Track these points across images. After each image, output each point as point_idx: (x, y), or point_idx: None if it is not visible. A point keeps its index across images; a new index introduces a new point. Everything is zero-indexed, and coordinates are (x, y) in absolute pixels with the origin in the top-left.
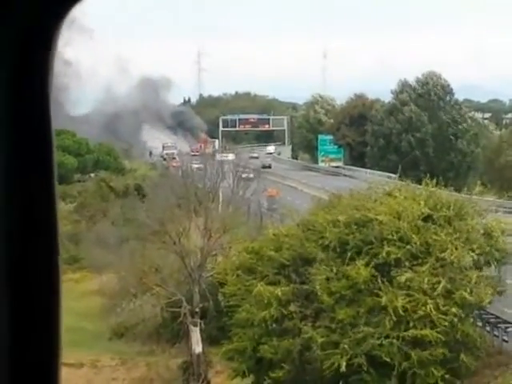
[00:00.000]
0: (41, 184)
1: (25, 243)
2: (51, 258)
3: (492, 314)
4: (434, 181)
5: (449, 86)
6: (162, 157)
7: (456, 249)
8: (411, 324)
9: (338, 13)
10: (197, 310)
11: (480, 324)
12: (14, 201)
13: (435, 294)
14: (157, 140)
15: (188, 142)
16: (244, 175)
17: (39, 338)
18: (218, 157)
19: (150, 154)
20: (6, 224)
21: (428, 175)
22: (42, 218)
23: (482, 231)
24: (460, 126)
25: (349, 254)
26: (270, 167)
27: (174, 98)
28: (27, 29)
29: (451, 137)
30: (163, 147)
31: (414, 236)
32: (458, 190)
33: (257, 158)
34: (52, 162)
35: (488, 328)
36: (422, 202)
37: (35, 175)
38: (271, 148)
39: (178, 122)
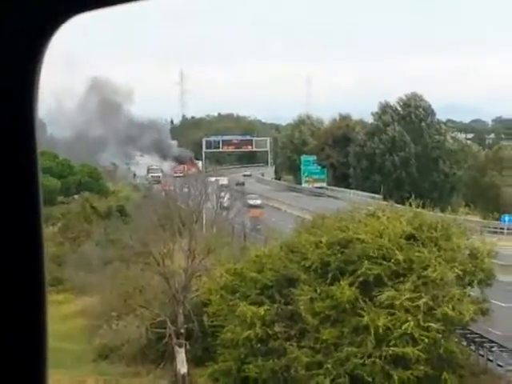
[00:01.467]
0: (26, 203)
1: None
2: (37, 268)
3: (477, 334)
4: (419, 201)
5: (430, 107)
6: (146, 180)
7: (439, 266)
8: (393, 342)
9: (321, 32)
10: (182, 330)
11: (465, 343)
12: None
13: (417, 310)
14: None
15: (158, 161)
16: (251, 202)
17: (25, 345)
18: (211, 180)
19: (134, 175)
20: None
21: (412, 195)
22: (26, 231)
23: (467, 252)
24: (443, 147)
25: (330, 274)
26: (243, 184)
27: (139, 111)
28: (14, 42)
29: (434, 157)
30: (148, 170)
31: (396, 253)
32: (442, 210)
33: (250, 175)
34: (37, 180)
35: (473, 347)
36: (405, 222)
37: (20, 192)
38: (265, 169)
39: (141, 137)
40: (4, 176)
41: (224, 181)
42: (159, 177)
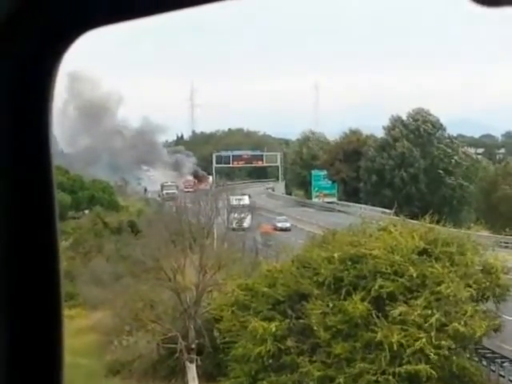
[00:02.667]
0: (42, 218)
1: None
2: (52, 281)
3: (488, 349)
4: (431, 217)
5: (438, 121)
6: (159, 196)
7: (452, 282)
8: (406, 359)
9: (330, 46)
10: (193, 346)
11: (476, 359)
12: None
13: (429, 327)
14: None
15: (167, 174)
16: (279, 224)
17: (40, 360)
18: (232, 201)
19: (145, 190)
20: (6, 258)
21: (422, 210)
22: (42, 244)
23: (480, 267)
24: (452, 162)
25: (344, 290)
26: (249, 196)
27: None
28: (28, 56)
29: (444, 172)
30: (162, 186)
31: (409, 269)
32: (454, 225)
33: (272, 188)
34: (53, 196)
35: (485, 363)
36: (417, 237)
37: (36, 212)
38: (276, 184)
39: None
40: (20, 192)
41: (245, 200)
42: (174, 193)
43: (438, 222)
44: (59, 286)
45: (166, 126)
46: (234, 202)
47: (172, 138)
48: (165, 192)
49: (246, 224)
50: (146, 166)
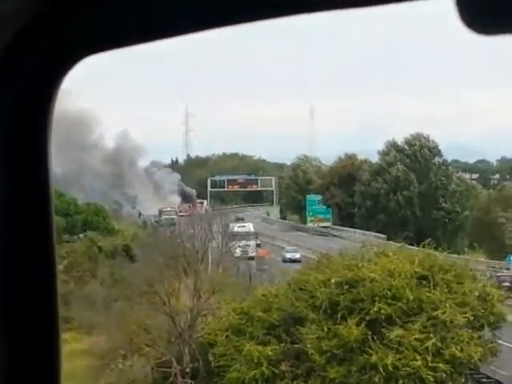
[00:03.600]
0: (39, 240)
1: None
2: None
3: (483, 374)
4: (430, 243)
5: (437, 147)
6: (156, 222)
7: (450, 308)
8: (401, 382)
9: (326, 71)
10: (187, 370)
11: None
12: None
13: (425, 351)
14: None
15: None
16: (288, 255)
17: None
18: (234, 228)
19: (140, 214)
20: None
21: (416, 235)
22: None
23: (477, 294)
24: (448, 187)
25: (340, 314)
26: (243, 219)
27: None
28: (30, 76)
29: (439, 197)
30: (160, 212)
31: (407, 293)
32: (448, 249)
33: (267, 212)
34: (51, 218)
35: None
36: (416, 262)
37: (33, 236)
38: (271, 208)
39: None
40: (18, 212)
41: (249, 227)
42: (173, 219)
43: (436, 248)
44: (56, 309)
45: (146, 144)
46: (237, 230)
47: (167, 161)
48: (163, 218)
49: (251, 252)
50: (127, 184)
